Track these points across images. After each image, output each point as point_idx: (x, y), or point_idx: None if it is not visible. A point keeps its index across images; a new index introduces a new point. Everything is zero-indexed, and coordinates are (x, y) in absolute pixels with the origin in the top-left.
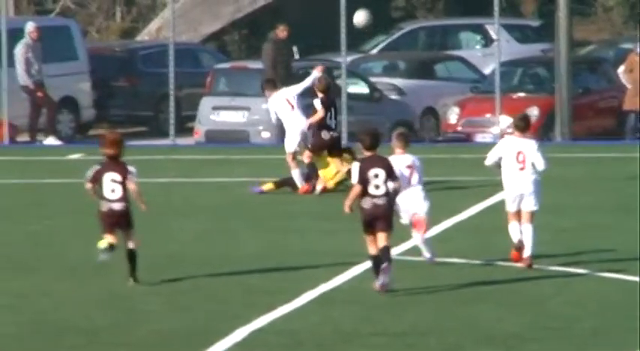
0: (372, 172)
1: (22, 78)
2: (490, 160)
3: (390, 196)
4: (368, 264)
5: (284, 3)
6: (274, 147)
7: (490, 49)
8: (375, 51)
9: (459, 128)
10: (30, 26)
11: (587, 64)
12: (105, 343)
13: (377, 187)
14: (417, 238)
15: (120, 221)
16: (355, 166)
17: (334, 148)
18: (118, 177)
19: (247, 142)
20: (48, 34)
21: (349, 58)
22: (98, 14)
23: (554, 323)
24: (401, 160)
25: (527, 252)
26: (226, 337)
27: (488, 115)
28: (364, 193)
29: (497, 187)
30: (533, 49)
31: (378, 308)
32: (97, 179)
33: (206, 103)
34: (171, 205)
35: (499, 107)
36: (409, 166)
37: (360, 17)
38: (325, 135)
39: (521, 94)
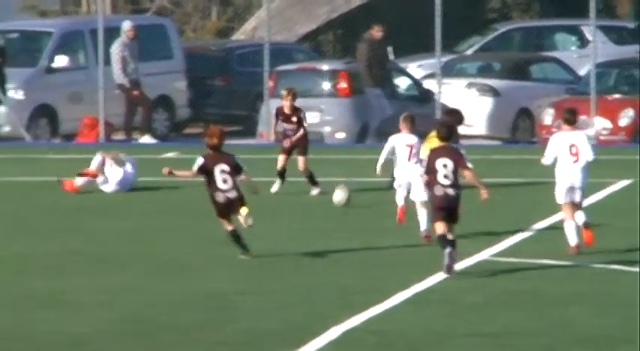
0: (439, 162)
1: (118, 77)
2: (549, 158)
3: (460, 188)
4: (462, 265)
5: (379, 3)
6: (351, 147)
7: (585, 51)
8: (470, 52)
9: (554, 129)
10: (127, 25)
11: None
12: (197, 340)
13: (445, 176)
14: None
15: (237, 207)
16: (425, 156)
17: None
18: (226, 167)
19: (321, 142)
20: (144, 33)
21: (444, 59)
22: (194, 13)
23: None
24: (403, 138)
25: (586, 234)
26: (319, 337)
27: (583, 117)
28: (435, 181)
29: (593, 188)
30: (629, 51)
31: (470, 309)
32: (207, 171)
33: (271, 105)
34: (264, 204)
35: (594, 109)
36: (409, 145)
37: (338, 197)
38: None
39: (617, 96)
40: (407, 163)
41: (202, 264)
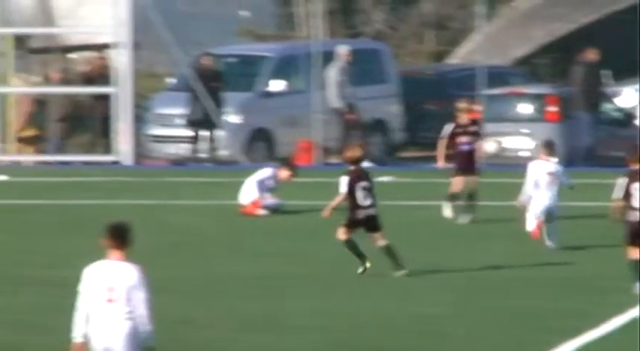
0: (634, 186)
1: (334, 100)
2: None
3: None
4: None
5: (597, 27)
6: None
7: None
8: None
9: None
10: (344, 49)
11: None
12: None
13: None
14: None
15: (374, 224)
16: (621, 181)
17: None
18: (367, 184)
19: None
20: (358, 57)
21: None
22: (409, 37)
23: None
24: (544, 166)
25: None
26: None
27: None
28: (629, 206)
29: None
30: None
31: None
32: (351, 189)
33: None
34: (474, 228)
35: None
36: (550, 173)
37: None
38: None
39: None
40: (545, 191)
41: (410, 286)
